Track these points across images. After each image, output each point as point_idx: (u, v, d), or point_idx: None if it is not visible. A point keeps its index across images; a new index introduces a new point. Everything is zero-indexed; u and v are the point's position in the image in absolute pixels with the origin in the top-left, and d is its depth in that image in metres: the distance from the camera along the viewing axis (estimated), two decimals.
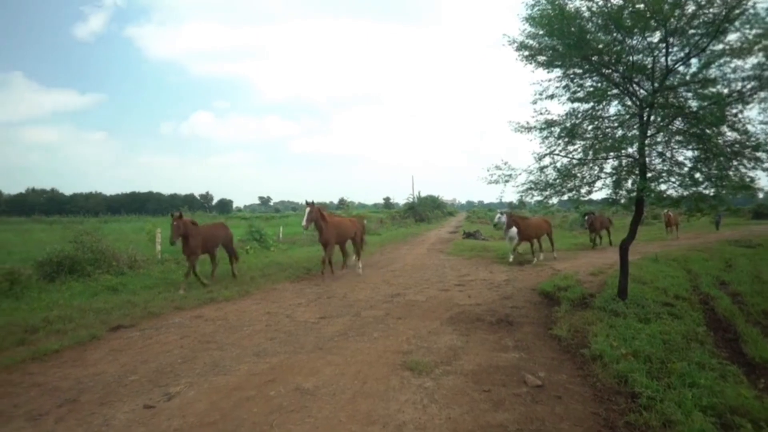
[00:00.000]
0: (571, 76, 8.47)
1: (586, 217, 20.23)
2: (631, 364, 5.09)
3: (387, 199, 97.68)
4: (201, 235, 11.43)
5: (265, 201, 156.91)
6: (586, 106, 8.52)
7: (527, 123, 8.98)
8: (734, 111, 7.11)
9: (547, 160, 8.80)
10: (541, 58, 8.51)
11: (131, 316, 8.07)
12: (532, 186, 8.60)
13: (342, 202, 45.43)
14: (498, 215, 16.65)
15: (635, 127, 8.08)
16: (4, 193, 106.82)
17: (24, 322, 7.35)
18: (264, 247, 20.65)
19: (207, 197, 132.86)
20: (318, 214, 12.39)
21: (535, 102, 8.99)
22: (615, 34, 7.67)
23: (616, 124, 8.58)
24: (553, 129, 8.72)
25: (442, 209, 65.25)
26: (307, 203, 12.47)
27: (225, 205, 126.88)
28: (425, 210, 52.55)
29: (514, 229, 15.88)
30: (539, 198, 8.83)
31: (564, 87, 8.51)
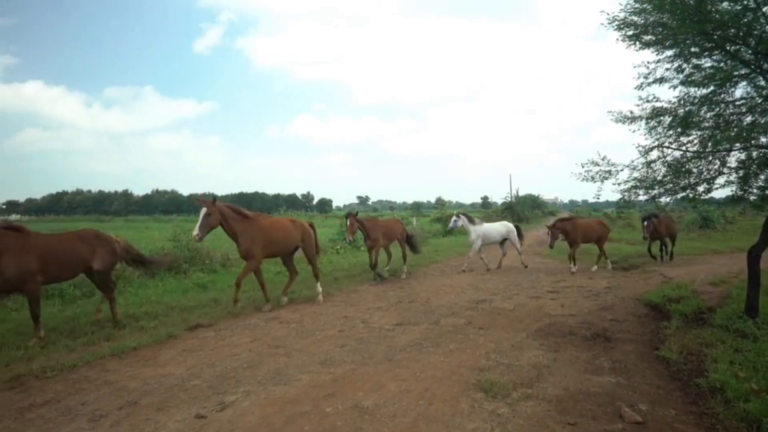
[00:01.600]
0: (686, 55, 7.30)
1: (646, 223, 14.89)
2: (766, 405, 4.07)
3: (485, 198, 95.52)
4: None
5: (363, 200, 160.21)
6: (704, 90, 7.31)
7: (630, 112, 7.92)
8: None
9: (654, 154, 7.69)
10: (647, 38, 7.42)
11: (211, 315, 8.16)
12: (637, 183, 7.55)
13: (439, 201, 44.77)
14: (454, 219, 14.98)
15: None
16: (134, 194, 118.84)
17: (108, 318, 7.65)
18: (355, 247, 20.70)
19: (308, 197, 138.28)
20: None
21: (639, 87, 7.90)
22: (746, 1, 6.43)
23: (743, 110, 7.27)
24: (662, 118, 7.59)
25: (542, 209, 62.36)
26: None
27: (325, 205, 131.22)
28: (524, 209, 50.43)
29: (476, 233, 14.31)
30: (645, 197, 7.75)
31: (676, 69, 7.35)
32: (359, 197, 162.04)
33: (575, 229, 13.92)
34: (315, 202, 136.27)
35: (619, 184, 7.87)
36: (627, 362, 5.61)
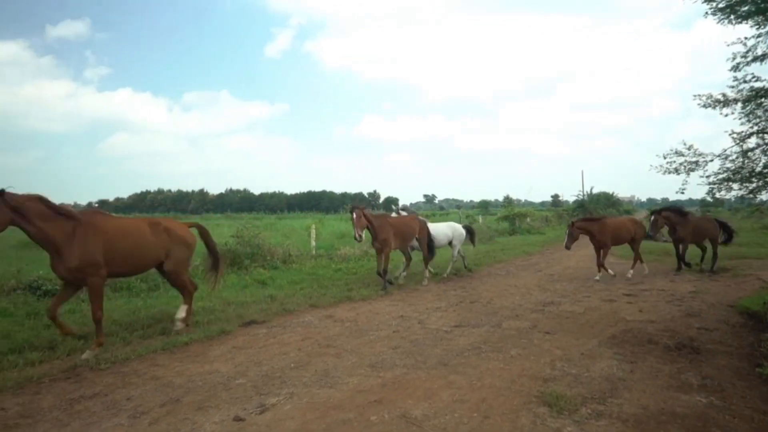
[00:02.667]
0: None
1: (653, 218, 12.50)
2: None
3: (555, 197, 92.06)
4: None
5: (430, 199, 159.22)
6: None
7: (723, 96, 7.04)
8: None
9: (753, 141, 6.79)
10: (744, 8, 6.55)
11: (267, 311, 8.06)
12: (730, 176, 6.69)
13: (506, 199, 43.47)
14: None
15: None
16: (209, 193, 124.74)
17: (175, 311, 7.70)
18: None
19: (374, 195, 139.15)
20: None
21: (735, 68, 7.00)
22: None
23: None
24: (763, 100, 6.69)
25: (617, 207, 59.12)
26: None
27: (391, 203, 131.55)
28: (597, 208, 47.94)
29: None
30: (740, 192, 6.86)
31: None
32: (425, 196, 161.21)
33: (603, 230, 11.90)
34: (381, 200, 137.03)
35: (708, 176, 7.03)
36: (721, 379, 4.87)
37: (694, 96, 7.31)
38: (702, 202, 11.71)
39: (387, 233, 10.66)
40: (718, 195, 7.25)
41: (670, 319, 7.40)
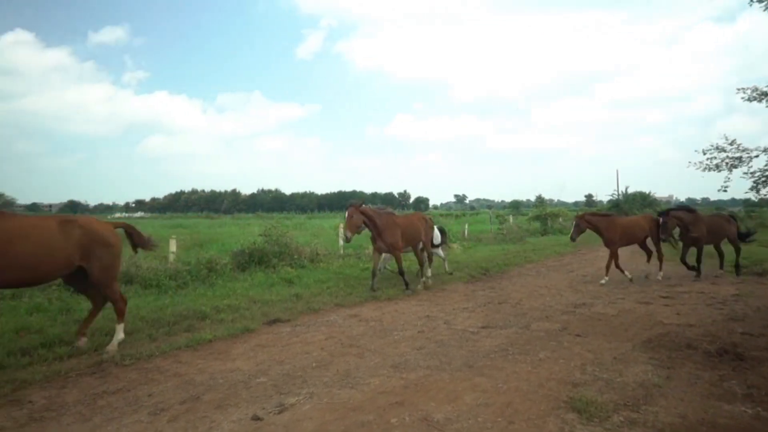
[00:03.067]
0: None
1: (662, 219, 11.33)
2: None
3: (589, 197, 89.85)
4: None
5: (460, 199, 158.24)
6: None
7: None
8: None
9: None
10: None
11: (292, 310, 8.02)
12: None
13: (538, 199, 42.72)
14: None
15: None
16: (241, 193, 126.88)
17: (200, 308, 7.76)
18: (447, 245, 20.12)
19: (405, 195, 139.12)
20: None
21: None
22: None
23: None
24: None
25: (653, 207, 57.38)
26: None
27: (421, 203, 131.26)
28: (632, 208, 46.62)
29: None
30: None
31: None
32: (456, 196, 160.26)
33: (611, 227, 11.18)
34: (411, 200, 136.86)
35: (753, 173, 6.65)
36: None
37: (738, 89, 6.97)
38: (746, 202, 11.17)
39: (395, 234, 9.85)
40: (763, 192, 6.88)
41: (711, 323, 7.04)
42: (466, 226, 25.64)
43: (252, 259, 12.42)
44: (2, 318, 6.97)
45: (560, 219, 31.84)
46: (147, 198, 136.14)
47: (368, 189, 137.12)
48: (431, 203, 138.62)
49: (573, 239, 11.52)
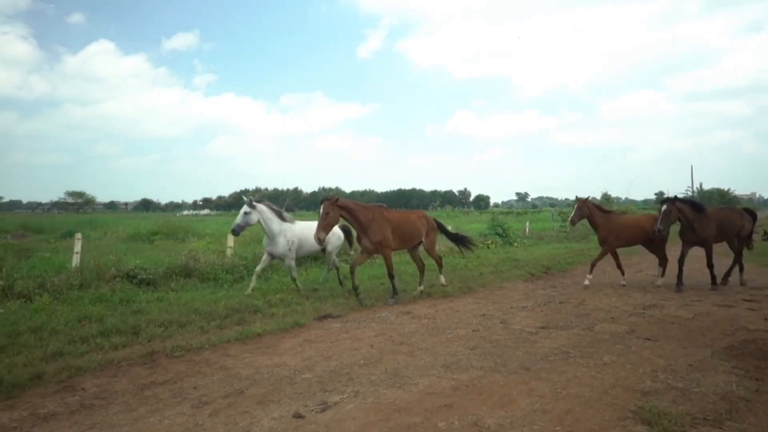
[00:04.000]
0: None
1: (664, 207, 9.66)
2: None
3: (659, 194, 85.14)
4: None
5: (522, 197, 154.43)
6: None
7: None
8: None
9: None
10: None
11: (343, 306, 7.91)
12: None
13: (605, 196, 40.84)
14: (243, 211, 8.78)
15: None
16: (303, 191, 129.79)
17: (253, 302, 7.78)
18: (507, 243, 19.52)
19: (465, 193, 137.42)
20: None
21: None
22: None
23: None
24: None
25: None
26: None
27: (481, 201, 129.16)
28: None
29: (285, 236, 8.84)
30: None
31: None
32: (518, 194, 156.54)
33: (608, 225, 10.37)
34: (472, 198, 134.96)
35: None
36: None
37: None
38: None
39: (383, 230, 8.37)
40: None
41: None
42: (528, 224, 24.83)
43: (309, 255, 12.46)
44: (68, 307, 7.26)
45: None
46: (213, 196, 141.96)
47: (428, 187, 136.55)
48: (492, 201, 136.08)
49: (573, 223, 11.07)
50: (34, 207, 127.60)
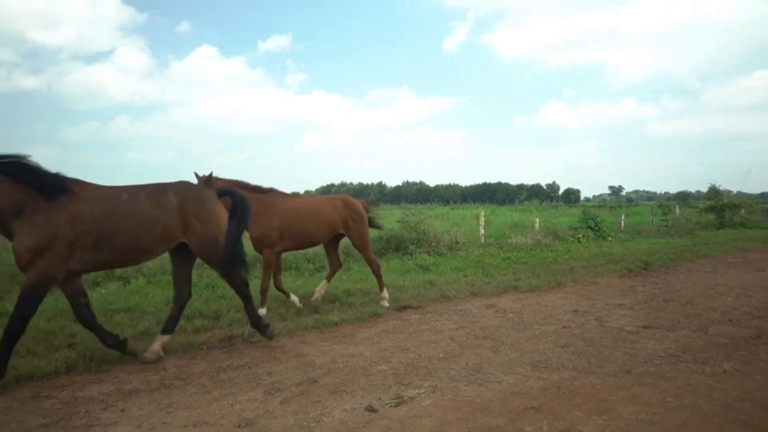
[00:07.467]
0: None
1: None
2: None
3: None
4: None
5: (616, 191, 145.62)
6: None
7: None
8: None
9: None
10: None
11: (423, 297, 7.59)
12: None
13: (712, 189, 37.29)
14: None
15: None
16: (387, 185, 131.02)
17: (332, 291, 7.68)
18: (600, 237, 18.25)
19: (553, 187, 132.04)
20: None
21: None
22: None
23: None
24: None
25: None
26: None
27: (571, 195, 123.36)
28: None
29: None
30: None
31: None
32: (611, 187, 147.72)
33: None
34: (560, 192, 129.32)
35: None
36: None
37: None
38: None
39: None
40: None
41: None
42: (623, 217, 23.13)
43: (389, 246, 12.31)
44: (159, 290, 7.55)
45: (742, 211, 27.27)
46: (301, 190, 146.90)
47: (514, 180, 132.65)
48: (582, 195, 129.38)
49: None
50: None
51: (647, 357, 4.71)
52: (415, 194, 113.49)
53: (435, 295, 7.73)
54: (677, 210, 27.89)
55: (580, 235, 17.51)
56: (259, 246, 6.58)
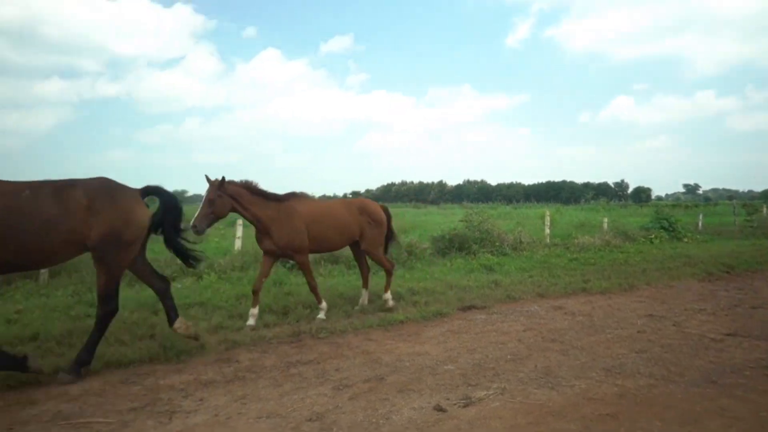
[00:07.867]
0: None
1: None
2: None
3: None
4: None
5: (691, 189, 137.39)
6: None
7: None
8: None
9: None
10: None
11: (489, 297, 7.48)
12: None
13: None
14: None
15: None
16: (447, 184, 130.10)
17: (397, 290, 7.69)
18: (674, 238, 17.29)
19: (622, 185, 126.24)
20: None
21: None
22: None
23: None
24: None
25: None
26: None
27: (641, 193, 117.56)
28: None
29: None
30: None
31: None
32: (686, 185, 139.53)
33: None
34: (630, 191, 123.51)
35: None
36: None
37: None
38: None
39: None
40: None
41: None
42: (701, 217, 21.78)
43: (452, 245, 12.18)
44: (229, 285, 7.86)
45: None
46: (362, 189, 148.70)
47: (579, 179, 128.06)
48: (654, 194, 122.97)
49: None
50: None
51: (734, 367, 4.42)
52: (476, 193, 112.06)
53: (500, 296, 7.59)
54: (765, 210, 25.89)
55: (653, 236, 16.66)
56: (288, 252, 6.32)
